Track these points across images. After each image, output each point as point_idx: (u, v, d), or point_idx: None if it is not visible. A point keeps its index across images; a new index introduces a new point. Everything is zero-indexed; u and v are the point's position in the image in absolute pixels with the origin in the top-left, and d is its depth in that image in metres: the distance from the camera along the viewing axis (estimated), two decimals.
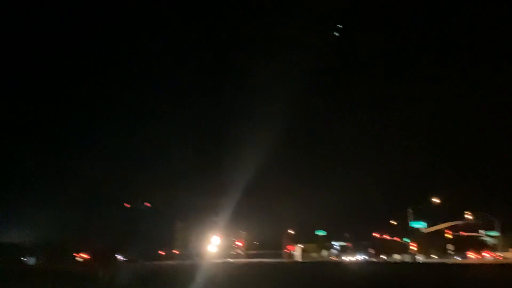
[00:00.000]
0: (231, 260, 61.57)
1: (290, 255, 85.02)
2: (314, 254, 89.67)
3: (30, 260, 59.18)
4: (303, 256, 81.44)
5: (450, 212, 71.62)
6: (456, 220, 70.49)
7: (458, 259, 68.36)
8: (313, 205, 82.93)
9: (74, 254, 68.51)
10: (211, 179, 79.41)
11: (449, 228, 72.44)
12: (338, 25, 59.92)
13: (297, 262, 65.84)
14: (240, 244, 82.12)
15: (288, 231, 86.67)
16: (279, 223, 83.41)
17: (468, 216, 69.81)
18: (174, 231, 66.52)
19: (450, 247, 71.42)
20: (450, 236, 73.21)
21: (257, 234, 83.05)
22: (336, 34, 59.63)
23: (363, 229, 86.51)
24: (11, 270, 39.61)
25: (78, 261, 65.70)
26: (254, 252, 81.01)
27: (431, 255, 74.77)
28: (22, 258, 58.53)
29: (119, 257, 70.86)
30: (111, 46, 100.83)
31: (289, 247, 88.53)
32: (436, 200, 69.58)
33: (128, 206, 74.31)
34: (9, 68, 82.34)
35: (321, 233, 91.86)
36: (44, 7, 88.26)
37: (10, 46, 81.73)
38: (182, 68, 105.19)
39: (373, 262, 67.20)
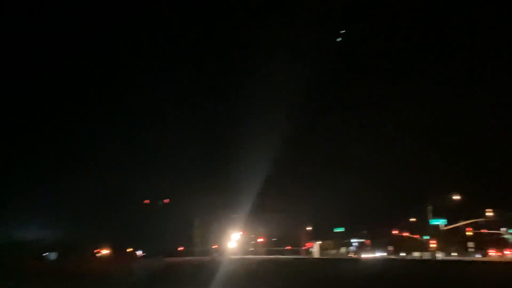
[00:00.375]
0: (249, 256, 61.79)
1: (308, 252, 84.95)
2: (332, 251, 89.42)
3: (52, 256, 59.97)
4: (321, 253, 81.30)
5: (471, 209, 70.63)
6: (477, 218, 69.46)
7: (478, 256, 67.52)
8: (332, 202, 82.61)
9: (95, 250, 69.46)
10: (229, 177, 79.73)
11: (470, 225, 71.44)
12: (341, 31, 59.79)
13: (315, 259, 65.74)
14: (262, 240, 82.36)
15: (306, 228, 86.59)
16: (298, 220, 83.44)
17: (489, 213, 68.76)
18: (193, 227, 66.95)
19: (470, 244, 70.48)
20: (471, 234, 72.21)
21: (276, 231, 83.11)
22: (339, 39, 59.53)
23: (381, 226, 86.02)
24: (33, 266, 40.41)
25: (99, 257, 66.55)
26: (272, 248, 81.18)
27: (451, 253, 73.95)
28: (43, 255, 59.36)
29: (139, 253, 71.72)
30: (123, 50, 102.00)
31: (307, 243, 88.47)
32: (456, 196, 68.68)
33: (147, 202, 75.06)
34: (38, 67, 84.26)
35: (339, 230, 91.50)
36: (46, 7, 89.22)
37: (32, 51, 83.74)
38: (194, 73, 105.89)
39: (392, 259, 66.71)
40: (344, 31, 59.85)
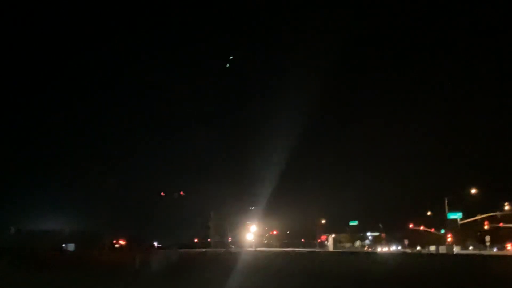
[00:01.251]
0: (264, 248, 62.03)
1: (323, 245, 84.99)
2: (347, 244, 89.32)
3: (70, 247, 60.83)
4: (336, 246, 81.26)
5: (488, 203, 69.91)
6: (494, 211, 68.72)
7: (495, 250, 66.83)
8: (347, 195, 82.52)
9: (113, 241, 70.43)
10: (245, 170, 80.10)
11: (487, 219, 70.69)
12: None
13: (330, 252, 65.76)
14: (275, 232, 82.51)
15: (321, 221, 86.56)
16: (313, 213, 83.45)
17: (507, 207, 67.96)
18: (208, 219, 67.45)
19: (487, 238, 69.72)
20: (488, 227, 71.47)
21: (291, 223, 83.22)
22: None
23: (397, 220, 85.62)
24: (52, 256, 41.12)
25: (116, 248, 67.47)
26: (287, 241, 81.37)
27: (468, 247, 73.29)
28: (62, 245, 60.24)
29: (155, 244, 72.57)
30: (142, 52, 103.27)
31: (322, 237, 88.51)
32: (473, 190, 67.98)
33: (163, 195, 75.73)
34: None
35: (354, 223, 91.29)
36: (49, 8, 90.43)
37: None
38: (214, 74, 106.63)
39: (408, 253, 66.39)
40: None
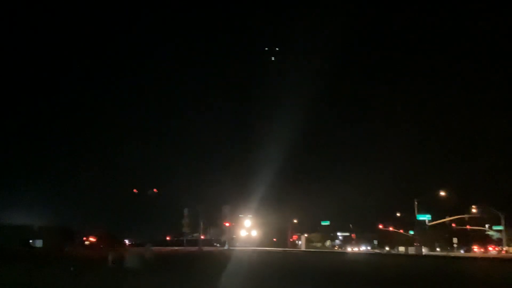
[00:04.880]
0: (238, 247, 62.02)
1: (294, 244, 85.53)
2: (318, 244, 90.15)
3: (37, 243, 59.61)
4: (307, 246, 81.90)
5: (456, 205, 71.60)
6: (461, 214, 70.48)
7: (462, 252, 68.57)
8: (319, 195, 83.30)
9: (84, 238, 69.26)
10: (222, 169, 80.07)
11: (454, 221, 72.50)
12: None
13: (301, 251, 66.20)
14: (246, 232, 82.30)
15: (293, 220, 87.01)
16: (284, 212, 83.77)
17: (474, 209, 69.81)
18: (182, 217, 66.96)
19: (455, 240, 71.51)
20: (455, 230, 73.33)
21: (263, 223, 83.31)
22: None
23: (368, 220, 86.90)
24: (18, 251, 40.21)
25: (86, 245, 66.39)
26: (258, 240, 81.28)
27: (436, 248, 74.98)
28: (29, 241, 58.96)
29: (126, 241, 71.75)
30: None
31: (293, 236, 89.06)
32: (442, 193, 69.50)
33: (136, 192, 74.85)
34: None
35: (326, 223, 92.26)
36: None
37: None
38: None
39: (376, 253, 67.48)
40: None
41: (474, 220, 71.18)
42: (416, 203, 66.52)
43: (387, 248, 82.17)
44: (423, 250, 65.72)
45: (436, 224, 70.34)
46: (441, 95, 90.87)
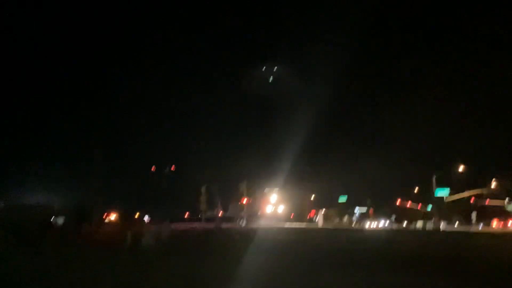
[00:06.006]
0: (257, 226, 62.44)
1: (311, 221, 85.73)
2: (335, 220, 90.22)
3: (59, 221, 60.63)
4: (324, 222, 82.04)
5: (475, 180, 70.76)
6: (481, 188, 69.67)
7: (480, 227, 68.00)
8: (336, 170, 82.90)
9: (104, 216, 70.46)
10: (238, 145, 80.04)
11: (474, 196, 71.76)
12: None
13: (319, 228, 66.50)
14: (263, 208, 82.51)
15: (311, 196, 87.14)
16: (302, 188, 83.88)
17: (494, 184, 68.92)
18: (200, 194, 67.59)
19: (474, 215, 70.89)
20: (474, 205, 72.58)
21: (287, 198, 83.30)
22: None
23: (386, 195, 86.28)
24: (40, 230, 41.07)
25: (106, 223, 67.57)
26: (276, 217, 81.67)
27: (454, 223, 74.50)
28: (51, 219, 59.96)
29: (146, 219, 72.85)
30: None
31: (311, 212, 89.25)
32: (461, 167, 68.73)
33: (154, 169, 75.73)
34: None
35: (343, 199, 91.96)
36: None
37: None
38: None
39: (395, 229, 67.34)
40: None
41: (493, 195, 70.36)
42: (434, 177, 66.05)
43: (404, 224, 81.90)
44: (442, 225, 65.37)
45: (456, 199, 69.82)
46: (467, 64, 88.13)
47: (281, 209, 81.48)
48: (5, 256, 20.00)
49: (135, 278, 13.08)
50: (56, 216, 61.59)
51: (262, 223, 66.42)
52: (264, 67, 73.02)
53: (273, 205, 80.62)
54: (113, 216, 70.59)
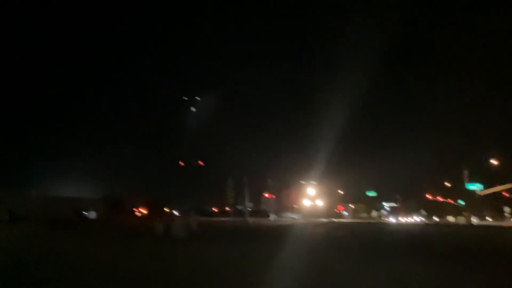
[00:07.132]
0: (284, 219, 62.35)
1: (340, 215, 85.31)
2: (363, 214, 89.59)
3: (91, 214, 61.84)
4: (353, 216, 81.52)
5: (508, 173, 69.09)
6: None
7: None
8: (365, 165, 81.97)
9: (134, 209, 71.66)
10: (266, 139, 79.77)
11: (506, 190, 70.11)
12: None
13: (347, 222, 65.94)
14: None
15: (339, 191, 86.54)
16: (330, 182, 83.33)
17: None
18: (227, 189, 67.95)
19: (506, 209, 69.39)
20: (507, 199, 70.97)
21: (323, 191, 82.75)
22: None
23: (414, 190, 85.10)
24: (73, 222, 41.99)
25: (136, 215, 68.63)
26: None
27: (486, 218, 73.09)
28: (83, 212, 61.25)
29: (175, 212, 73.73)
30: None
31: (339, 206, 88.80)
32: (493, 161, 67.17)
33: (182, 164, 76.40)
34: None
35: (371, 193, 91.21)
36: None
37: None
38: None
39: (425, 224, 66.37)
40: None
41: None
42: (465, 172, 64.77)
43: (435, 218, 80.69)
44: (474, 220, 64.17)
45: (488, 193, 68.33)
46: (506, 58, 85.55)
47: (320, 203, 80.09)
48: (44, 238, 20.92)
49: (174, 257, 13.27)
50: (88, 209, 62.89)
51: (297, 218, 65.90)
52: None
53: (311, 200, 79.61)
54: (143, 209, 71.72)
